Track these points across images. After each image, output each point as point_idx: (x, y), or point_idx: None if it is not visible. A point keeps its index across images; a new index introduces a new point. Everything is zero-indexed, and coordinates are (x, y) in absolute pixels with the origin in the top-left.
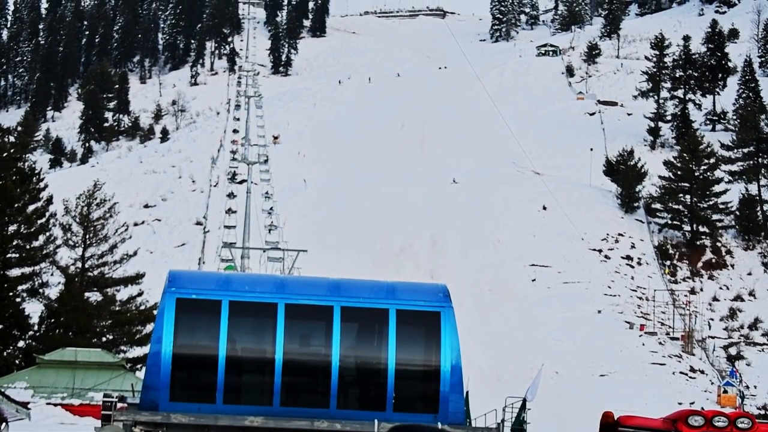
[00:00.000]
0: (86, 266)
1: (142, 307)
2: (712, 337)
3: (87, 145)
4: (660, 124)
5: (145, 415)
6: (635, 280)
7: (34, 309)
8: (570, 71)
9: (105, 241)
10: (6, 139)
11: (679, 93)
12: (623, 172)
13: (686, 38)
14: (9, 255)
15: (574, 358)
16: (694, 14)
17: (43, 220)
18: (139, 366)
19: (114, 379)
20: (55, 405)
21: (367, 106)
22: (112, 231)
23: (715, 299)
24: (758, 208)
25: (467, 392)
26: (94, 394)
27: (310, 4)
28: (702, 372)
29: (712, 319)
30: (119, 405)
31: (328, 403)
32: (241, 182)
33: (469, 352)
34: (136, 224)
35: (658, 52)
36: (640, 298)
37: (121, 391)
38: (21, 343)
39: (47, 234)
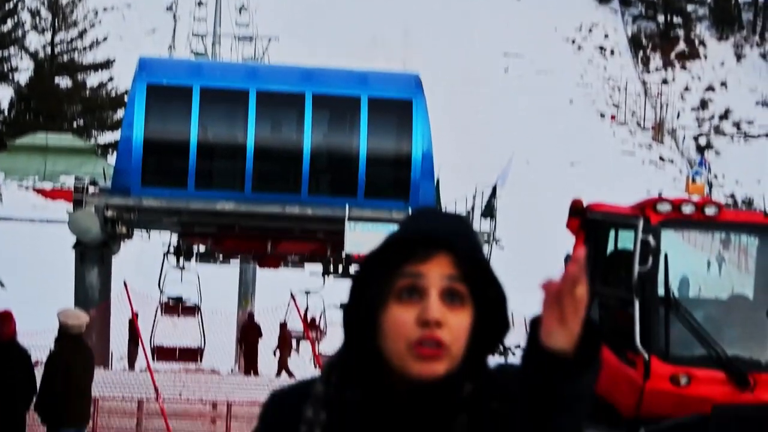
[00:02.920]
0: (55, 52)
1: (113, 94)
2: (683, 128)
3: None
4: None
5: (117, 198)
6: (608, 70)
7: (3, 94)
8: None
9: (74, 26)
10: None
11: None
12: None
13: None
14: None
15: (545, 146)
16: None
17: (11, 4)
18: (110, 151)
19: (85, 164)
20: (27, 188)
21: None
22: (81, 16)
23: (686, 89)
24: None
25: (438, 180)
26: (66, 178)
27: None
28: (671, 161)
29: (683, 110)
30: (91, 189)
31: (299, 189)
32: None
33: (441, 143)
34: (105, 9)
35: None
36: (612, 89)
37: (93, 175)
38: None
39: (15, 19)
